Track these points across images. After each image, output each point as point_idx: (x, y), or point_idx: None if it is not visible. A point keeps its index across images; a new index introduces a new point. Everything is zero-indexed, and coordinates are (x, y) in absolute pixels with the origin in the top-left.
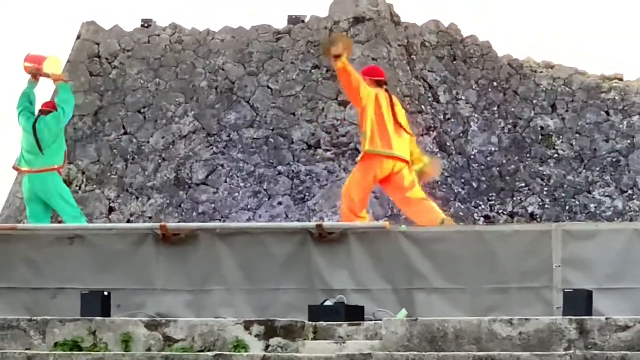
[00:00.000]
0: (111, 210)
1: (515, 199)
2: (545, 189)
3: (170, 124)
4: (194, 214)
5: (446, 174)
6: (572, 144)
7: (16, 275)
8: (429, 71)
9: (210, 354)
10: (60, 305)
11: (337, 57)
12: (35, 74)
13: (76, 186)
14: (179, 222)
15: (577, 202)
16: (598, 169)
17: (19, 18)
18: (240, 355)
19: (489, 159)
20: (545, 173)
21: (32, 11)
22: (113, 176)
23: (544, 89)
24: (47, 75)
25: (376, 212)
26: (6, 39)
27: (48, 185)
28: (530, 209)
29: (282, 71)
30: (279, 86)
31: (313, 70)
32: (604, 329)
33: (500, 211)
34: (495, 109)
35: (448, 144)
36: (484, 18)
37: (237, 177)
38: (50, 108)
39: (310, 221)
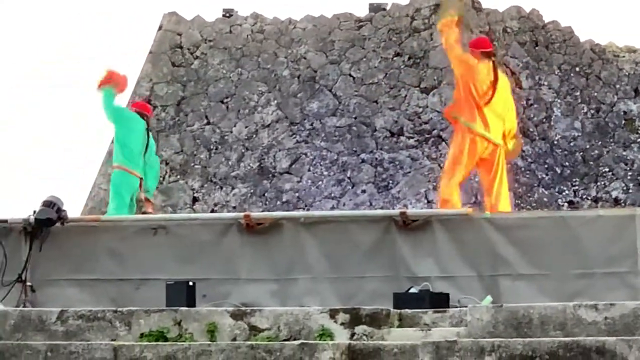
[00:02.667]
0: (195, 200)
1: (598, 183)
2: (629, 173)
3: (253, 113)
4: (278, 202)
5: (529, 160)
6: None
7: (100, 266)
8: (511, 57)
9: (296, 342)
10: (145, 296)
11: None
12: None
13: (160, 177)
14: (262, 211)
15: None
16: None
17: (102, 9)
18: (325, 343)
19: (572, 144)
20: (628, 157)
21: (115, 2)
22: (196, 166)
23: (627, 73)
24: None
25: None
26: (90, 31)
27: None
28: (614, 194)
29: (364, 59)
30: (360, 74)
31: (395, 58)
32: None
33: (584, 196)
34: (578, 93)
35: (531, 129)
36: (565, 3)
37: (321, 165)
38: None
39: (393, 208)
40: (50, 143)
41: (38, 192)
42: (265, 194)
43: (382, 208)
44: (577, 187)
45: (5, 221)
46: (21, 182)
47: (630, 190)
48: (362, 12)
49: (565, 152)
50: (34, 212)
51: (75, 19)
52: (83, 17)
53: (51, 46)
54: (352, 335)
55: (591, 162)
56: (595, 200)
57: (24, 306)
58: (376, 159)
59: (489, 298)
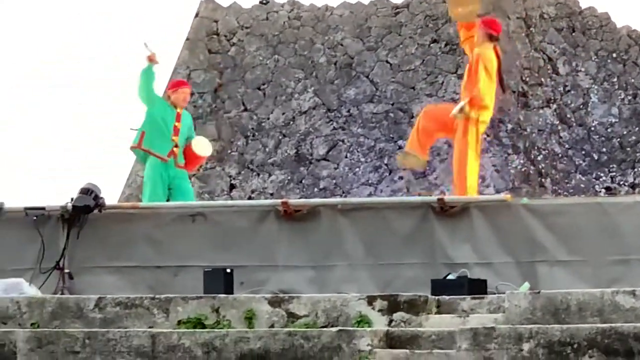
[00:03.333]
0: (232, 187)
1: (636, 170)
2: None
3: (290, 100)
4: (315, 189)
5: (567, 146)
6: None
7: (138, 253)
8: (547, 43)
9: (334, 329)
10: (183, 283)
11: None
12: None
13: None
14: (300, 197)
15: None
16: None
17: (102, 9)
18: (363, 330)
19: (609, 130)
20: None
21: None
22: (233, 153)
23: None
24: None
25: (497, 185)
26: (125, 18)
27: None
28: None
29: (401, 45)
30: (397, 60)
31: (432, 44)
32: None
33: (622, 182)
34: (615, 80)
35: (568, 115)
36: None
37: (358, 152)
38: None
39: (431, 195)
40: (50, 143)
41: (39, 191)
42: (303, 181)
43: (419, 195)
44: (614, 174)
45: (43, 208)
46: (21, 182)
47: None
48: None
49: (603, 139)
50: (72, 199)
51: (75, 18)
52: (83, 17)
53: (51, 46)
54: (390, 322)
55: (628, 149)
56: (633, 186)
57: (62, 293)
58: None
59: (526, 284)
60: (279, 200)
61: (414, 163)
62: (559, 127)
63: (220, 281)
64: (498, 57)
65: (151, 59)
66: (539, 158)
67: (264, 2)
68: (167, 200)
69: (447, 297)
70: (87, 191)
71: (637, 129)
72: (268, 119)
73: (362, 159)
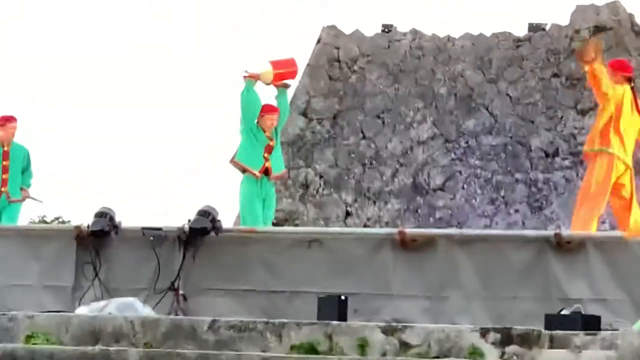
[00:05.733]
0: (347, 214)
1: None
2: None
3: (409, 129)
4: (431, 219)
5: None
6: None
7: (254, 277)
8: None
9: None
10: (296, 308)
11: (588, 61)
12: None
13: (313, 189)
14: (415, 227)
15: None
16: None
17: (261, 21)
18: None
19: None
20: None
21: (273, 14)
22: (350, 180)
23: None
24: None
25: (612, 221)
26: (251, 42)
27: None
28: None
29: (522, 79)
30: (517, 93)
31: (552, 79)
32: None
33: None
34: None
35: None
36: None
37: (474, 183)
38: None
39: (547, 229)
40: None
41: (157, 211)
42: (418, 210)
43: (534, 228)
44: None
45: (160, 229)
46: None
47: None
48: (521, 31)
49: None
50: (189, 220)
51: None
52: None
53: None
54: (502, 354)
55: None
56: None
57: (176, 314)
58: (530, 179)
59: None
60: (396, 229)
61: None
62: None
63: (334, 308)
64: (634, 96)
65: (252, 76)
66: None
67: (387, 30)
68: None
69: (560, 333)
70: (204, 213)
71: None
72: (386, 147)
73: (479, 191)
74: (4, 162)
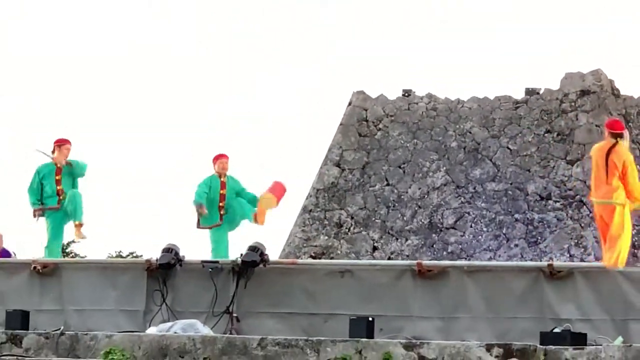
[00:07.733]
0: (374, 249)
1: None
2: None
3: (425, 177)
4: (444, 252)
5: None
6: None
7: (295, 302)
8: None
9: None
10: (331, 328)
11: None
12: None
13: (346, 228)
14: (431, 260)
15: None
16: None
17: (261, 21)
18: None
19: None
20: None
21: (306, 80)
22: (377, 220)
23: None
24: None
25: (597, 254)
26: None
27: None
28: None
29: (520, 134)
30: (516, 147)
31: (545, 134)
32: None
33: None
34: None
35: None
36: None
37: (481, 222)
38: None
39: (541, 261)
40: None
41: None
42: (434, 245)
43: (531, 260)
44: None
45: (217, 262)
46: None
47: None
48: (519, 94)
49: None
50: (241, 254)
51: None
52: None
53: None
54: None
55: None
56: None
57: (230, 333)
58: (527, 218)
59: (620, 339)
60: (415, 262)
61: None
62: None
63: (363, 327)
64: (611, 147)
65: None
66: (632, 232)
67: (407, 94)
68: None
69: (553, 347)
70: (254, 249)
71: None
72: (406, 192)
73: (485, 229)
74: (56, 177)
